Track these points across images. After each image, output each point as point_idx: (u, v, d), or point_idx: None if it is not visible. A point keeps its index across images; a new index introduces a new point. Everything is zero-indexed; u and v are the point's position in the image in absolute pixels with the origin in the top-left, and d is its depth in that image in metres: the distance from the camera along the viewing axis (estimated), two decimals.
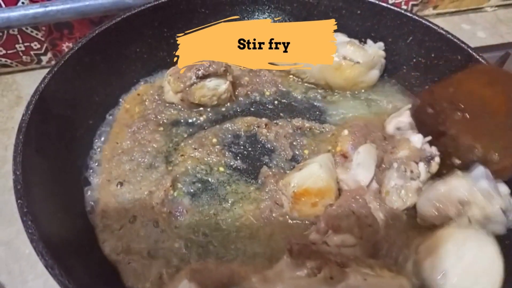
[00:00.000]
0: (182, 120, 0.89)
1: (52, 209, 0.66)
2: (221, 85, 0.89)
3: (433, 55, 0.92)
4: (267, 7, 1.00)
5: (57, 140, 0.74)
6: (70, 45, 1.16)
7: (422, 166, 0.75)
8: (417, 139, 0.78)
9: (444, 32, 0.88)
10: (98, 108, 0.86)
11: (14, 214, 0.60)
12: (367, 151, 0.78)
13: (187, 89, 0.87)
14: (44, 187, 0.67)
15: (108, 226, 0.73)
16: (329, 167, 0.75)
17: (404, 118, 0.84)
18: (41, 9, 1.01)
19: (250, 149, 0.85)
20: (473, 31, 1.39)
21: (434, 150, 0.77)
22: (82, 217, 0.73)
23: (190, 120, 0.89)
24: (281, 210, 0.75)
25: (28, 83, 1.17)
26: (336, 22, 0.95)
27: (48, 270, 0.52)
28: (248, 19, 1.01)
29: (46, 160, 0.70)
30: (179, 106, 0.90)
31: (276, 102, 0.94)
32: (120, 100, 0.90)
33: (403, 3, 1.34)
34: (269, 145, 0.85)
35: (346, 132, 0.83)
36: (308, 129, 0.89)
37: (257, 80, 0.96)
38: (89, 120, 0.84)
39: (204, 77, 0.87)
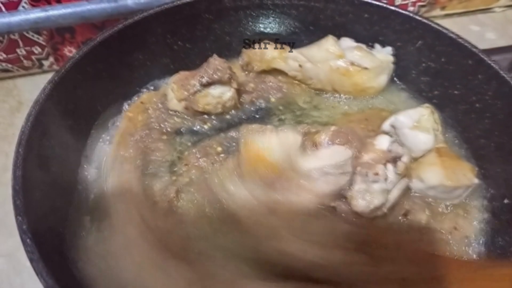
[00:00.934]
0: (186, 129, 0.87)
1: (53, 224, 0.64)
2: (226, 93, 0.87)
3: (443, 60, 0.89)
4: (272, 11, 0.97)
5: (58, 151, 0.72)
6: (72, 49, 1.14)
7: (390, 167, 0.74)
8: (383, 141, 0.77)
9: (454, 36, 0.85)
10: (101, 117, 0.84)
11: (15, 225, 0.59)
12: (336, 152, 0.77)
13: (191, 97, 0.84)
14: (45, 201, 0.66)
15: None
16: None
17: (403, 117, 0.82)
18: (42, 14, 0.99)
19: None
20: (482, 32, 1.36)
21: (401, 150, 0.76)
22: None
23: (194, 128, 0.87)
24: None
25: (29, 88, 1.16)
26: (344, 27, 0.95)
27: None
28: (253, 24, 0.99)
29: (47, 173, 0.68)
30: (183, 114, 0.88)
31: (281, 108, 0.92)
32: (123, 108, 0.88)
33: (410, 4, 1.31)
34: None
35: (333, 127, 0.80)
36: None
37: (263, 86, 0.94)
38: (91, 130, 0.82)
39: (208, 84, 0.85)
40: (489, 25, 1.38)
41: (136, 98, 0.90)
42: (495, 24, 1.38)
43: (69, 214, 0.69)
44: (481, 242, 0.74)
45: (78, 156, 0.76)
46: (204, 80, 0.84)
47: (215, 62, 0.85)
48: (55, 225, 0.66)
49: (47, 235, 0.60)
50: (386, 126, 0.83)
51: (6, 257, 0.85)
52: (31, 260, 0.53)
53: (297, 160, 0.75)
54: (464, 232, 0.75)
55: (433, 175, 0.75)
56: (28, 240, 0.55)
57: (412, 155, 0.79)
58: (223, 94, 0.86)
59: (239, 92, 0.91)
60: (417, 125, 0.81)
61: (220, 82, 0.85)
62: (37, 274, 0.52)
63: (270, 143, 0.76)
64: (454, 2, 1.35)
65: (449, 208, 0.77)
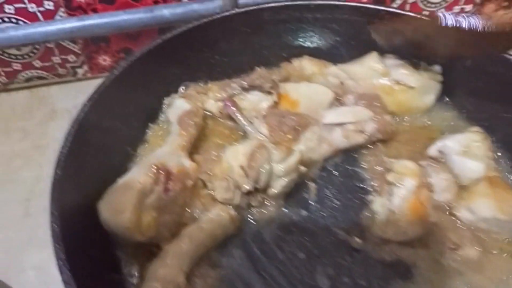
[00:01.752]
0: None
1: (87, 245, 0.63)
2: (264, 101, 0.84)
3: (493, 80, 0.84)
4: (312, 25, 0.94)
5: (95, 170, 0.71)
6: (107, 58, 1.14)
7: None
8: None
9: (509, 57, 0.80)
10: (136, 133, 0.83)
11: (47, 237, 0.58)
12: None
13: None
14: (80, 220, 0.64)
15: None
16: None
17: (451, 143, 0.79)
18: (78, 23, 0.99)
19: None
20: None
21: None
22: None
23: None
24: None
25: (62, 96, 1.15)
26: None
27: None
28: (291, 37, 0.96)
29: (83, 194, 0.67)
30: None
31: None
32: (158, 122, 0.87)
33: None
34: None
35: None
36: None
37: None
38: (127, 147, 0.81)
39: (249, 89, 0.84)
40: None
41: None
42: None
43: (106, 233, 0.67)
44: None
45: (114, 173, 0.74)
46: (245, 83, 0.83)
47: (260, 71, 0.86)
48: (91, 245, 0.65)
49: (81, 254, 0.58)
50: (433, 151, 0.79)
51: (37, 270, 0.84)
52: (61, 274, 0.51)
53: (322, 113, 0.82)
54: None
55: (485, 206, 0.71)
56: (64, 267, 0.53)
57: (460, 183, 0.76)
58: (260, 101, 0.84)
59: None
60: (466, 150, 0.77)
61: (260, 89, 0.84)
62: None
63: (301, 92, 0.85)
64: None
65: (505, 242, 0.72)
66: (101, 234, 0.67)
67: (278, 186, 0.73)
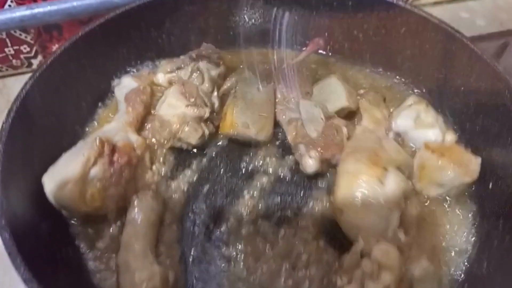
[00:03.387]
0: None
1: (36, 221, 0.64)
2: (212, 70, 0.87)
3: (427, 46, 0.89)
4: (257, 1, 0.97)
5: (41, 148, 0.72)
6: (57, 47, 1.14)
7: None
8: None
9: (437, 22, 0.85)
10: (85, 113, 0.85)
11: None
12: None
13: (178, 70, 0.86)
14: (27, 198, 0.66)
15: None
16: None
17: (402, 120, 0.83)
18: (28, 12, 0.99)
19: None
20: (472, 19, 1.35)
21: None
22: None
23: None
24: None
25: (18, 87, 1.14)
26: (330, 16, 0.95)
27: (28, 285, 0.51)
28: (238, 15, 0.98)
29: (29, 170, 0.68)
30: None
31: None
32: (107, 103, 0.89)
33: None
34: None
35: None
36: None
37: None
38: (76, 126, 0.82)
39: (197, 59, 0.87)
40: (479, 11, 1.37)
41: None
42: (485, 11, 1.37)
43: (54, 210, 0.69)
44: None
45: (62, 153, 0.76)
46: (193, 54, 0.86)
47: (208, 45, 0.89)
48: (40, 221, 0.66)
49: (30, 231, 0.60)
50: (391, 135, 0.83)
51: None
52: (9, 255, 0.53)
53: None
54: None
55: (452, 177, 0.73)
56: (6, 235, 0.55)
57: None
58: (210, 69, 0.87)
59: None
60: (419, 121, 0.81)
61: (208, 60, 0.87)
62: (16, 269, 0.52)
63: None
64: None
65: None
66: (50, 211, 0.69)
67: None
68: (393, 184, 0.67)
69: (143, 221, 0.68)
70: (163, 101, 0.78)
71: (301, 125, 0.79)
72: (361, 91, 0.90)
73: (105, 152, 0.70)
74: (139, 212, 0.68)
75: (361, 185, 0.67)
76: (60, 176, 0.66)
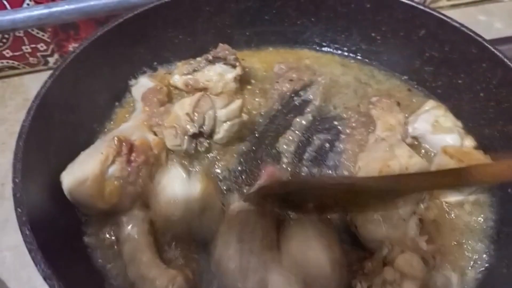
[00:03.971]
0: None
1: (53, 218, 0.65)
2: (228, 73, 0.87)
3: (446, 49, 0.88)
4: (274, 2, 0.96)
5: (60, 146, 0.73)
6: (76, 45, 1.15)
7: None
8: None
9: (458, 25, 0.84)
10: (102, 111, 0.85)
11: None
12: None
13: (194, 72, 0.86)
14: (46, 194, 0.66)
15: None
16: None
17: (419, 124, 0.82)
18: (45, 10, 1.00)
19: None
20: (489, 22, 1.33)
21: None
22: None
23: None
24: None
25: (35, 85, 1.14)
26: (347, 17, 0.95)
27: (47, 282, 0.51)
28: (255, 16, 0.98)
29: (48, 167, 0.69)
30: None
31: None
32: (124, 102, 0.89)
33: None
34: None
35: None
36: None
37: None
38: (93, 124, 0.83)
39: (213, 61, 0.87)
40: (497, 14, 1.36)
41: None
42: (503, 14, 1.36)
43: (71, 206, 0.69)
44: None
45: (80, 150, 0.76)
46: (210, 56, 0.86)
47: (224, 46, 0.88)
48: (56, 217, 0.67)
49: (46, 228, 0.60)
50: (409, 140, 0.82)
51: (13, 251, 0.86)
52: (29, 251, 0.53)
53: None
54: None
55: None
56: (27, 231, 0.55)
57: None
58: (225, 72, 0.87)
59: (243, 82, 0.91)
60: (437, 125, 0.81)
61: (225, 61, 0.87)
62: (36, 265, 0.52)
63: None
64: None
65: None
66: (67, 207, 0.69)
67: (221, 130, 0.77)
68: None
69: (139, 234, 0.68)
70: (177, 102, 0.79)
71: None
72: (373, 99, 0.89)
73: (123, 151, 0.70)
74: (133, 227, 0.68)
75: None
76: (78, 174, 0.66)
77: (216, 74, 0.86)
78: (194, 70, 0.86)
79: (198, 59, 0.88)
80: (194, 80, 0.87)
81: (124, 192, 0.69)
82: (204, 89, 0.86)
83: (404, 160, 0.74)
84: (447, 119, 0.81)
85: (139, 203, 0.72)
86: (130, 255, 0.65)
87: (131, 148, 0.72)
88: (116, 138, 0.70)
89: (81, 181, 0.65)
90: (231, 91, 0.88)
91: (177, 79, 0.88)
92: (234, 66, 0.88)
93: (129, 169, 0.70)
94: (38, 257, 0.53)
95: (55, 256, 0.56)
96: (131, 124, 0.78)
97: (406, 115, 0.86)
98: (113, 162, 0.68)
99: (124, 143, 0.70)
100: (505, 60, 0.78)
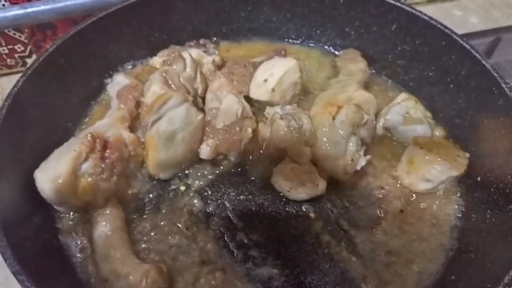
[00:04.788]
0: None
1: (27, 216, 0.65)
2: (207, 57, 0.89)
3: (417, 42, 0.89)
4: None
5: (34, 145, 0.73)
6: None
7: None
8: None
9: (427, 19, 0.85)
10: (77, 110, 0.85)
11: None
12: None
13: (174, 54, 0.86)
14: (19, 193, 0.67)
15: None
16: None
17: (391, 116, 0.83)
18: (21, 11, 0.99)
19: None
20: (465, 17, 1.36)
21: None
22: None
23: None
24: None
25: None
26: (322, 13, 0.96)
27: (16, 277, 0.51)
28: (231, 13, 0.99)
29: (21, 166, 0.69)
30: None
31: None
32: (100, 100, 0.89)
33: None
34: None
35: None
36: None
37: None
38: (68, 123, 0.83)
39: (194, 46, 0.90)
40: (472, 9, 1.38)
41: None
42: (478, 9, 1.38)
43: (46, 204, 0.69)
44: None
45: (54, 149, 0.76)
46: (190, 43, 0.92)
47: (203, 40, 0.94)
48: (30, 216, 0.67)
49: (20, 225, 0.60)
50: (379, 130, 0.84)
51: None
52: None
53: None
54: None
55: (440, 171, 0.74)
56: None
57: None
58: (204, 57, 0.89)
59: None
60: (407, 117, 0.82)
61: (205, 48, 0.91)
62: (5, 261, 0.53)
63: None
64: None
65: None
66: (41, 205, 0.69)
67: None
68: (342, 117, 0.76)
69: (113, 230, 0.68)
70: (148, 89, 0.78)
71: (216, 114, 0.80)
72: (340, 52, 0.98)
73: (96, 147, 0.70)
74: (106, 224, 0.68)
75: (318, 123, 0.77)
76: (51, 171, 0.66)
77: (196, 55, 0.87)
78: (174, 53, 0.86)
79: (177, 46, 0.90)
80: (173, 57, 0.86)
81: (97, 188, 0.69)
82: None
83: (350, 93, 0.81)
84: (418, 111, 0.83)
85: (114, 200, 0.72)
86: (103, 251, 0.66)
87: (105, 145, 0.72)
88: (89, 134, 0.70)
89: (53, 178, 0.65)
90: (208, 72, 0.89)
91: (157, 60, 0.88)
92: (212, 54, 0.90)
93: (103, 165, 0.70)
94: (7, 253, 0.53)
95: (27, 253, 0.56)
96: (106, 121, 0.78)
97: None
98: (86, 158, 0.68)
99: (98, 140, 0.71)
100: (473, 51, 0.79)
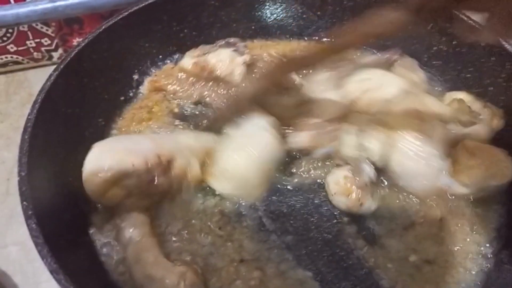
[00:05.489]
0: None
1: (59, 211, 0.64)
2: (238, 57, 0.87)
3: (454, 43, 0.87)
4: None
5: (65, 140, 0.72)
6: (81, 40, 1.15)
7: None
8: None
9: (465, 19, 0.83)
10: (108, 106, 0.84)
11: None
12: None
13: (204, 55, 0.86)
14: (51, 188, 0.66)
15: None
16: None
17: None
18: (49, 5, 0.99)
19: None
20: None
21: None
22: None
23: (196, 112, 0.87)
24: None
25: (39, 80, 1.14)
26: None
27: (53, 275, 0.51)
28: (259, 10, 0.97)
29: (53, 161, 0.68)
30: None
31: None
32: (130, 97, 0.89)
33: None
34: None
35: None
36: None
37: None
38: (99, 119, 0.82)
39: (224, 46, 0.88)
40: None
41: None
42: None
43: (76, 200, 0.68)
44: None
45: (86, 145, 0.75)
46: (220, 42, 0.87)
47: (233, 39, 0.90)
48: (63, 211, 0.66)
49: (52, 221, 0.60)
50: None
51: (19, 246, 0.85)
52: (36, 245, 0.53)
53: None
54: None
55: (481, 178, 0.71)
56: (33, 225, 0.55)
57: None
58: (235, 57, 0.86)
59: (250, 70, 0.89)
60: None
61: (234, 46, 0.87)
62: (42, 258, 0.52)
63: None
64: None
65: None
66: (72, 201, 0.69)
67: None
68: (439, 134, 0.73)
69: (141, 235, 0.66)
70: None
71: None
72: (396, 57, 0.90)
73: (154, 170, 0.67)
74: (134, 231, 0.66)
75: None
76: (99, 163, 0.65)
77: (226, 56, 0.85)
78: (204, 54, 0.85)
79: (208, 46, 0.88)
80: (204, 60, 0.86)
81: (125, 200, 0.67)
82: (211, 72, 0.85)
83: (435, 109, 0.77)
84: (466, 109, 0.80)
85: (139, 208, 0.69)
86: (134, 256, 0.64)
87: (164, 172, 0.68)
88: (158, 156, 0.67)
89: (95, 171, 0.64)
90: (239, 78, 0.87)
91: (187, 62, 0.87)
92: (242, 54, 0.87)
93: (143, 187, 0.67)
94: (44, 251, 0.52)
95: (61, 250, 0.55)
96: (191, 143, 0.75)
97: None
98: (134, 176, 0.65)
99: (163, 163, 0.67)
100: None
